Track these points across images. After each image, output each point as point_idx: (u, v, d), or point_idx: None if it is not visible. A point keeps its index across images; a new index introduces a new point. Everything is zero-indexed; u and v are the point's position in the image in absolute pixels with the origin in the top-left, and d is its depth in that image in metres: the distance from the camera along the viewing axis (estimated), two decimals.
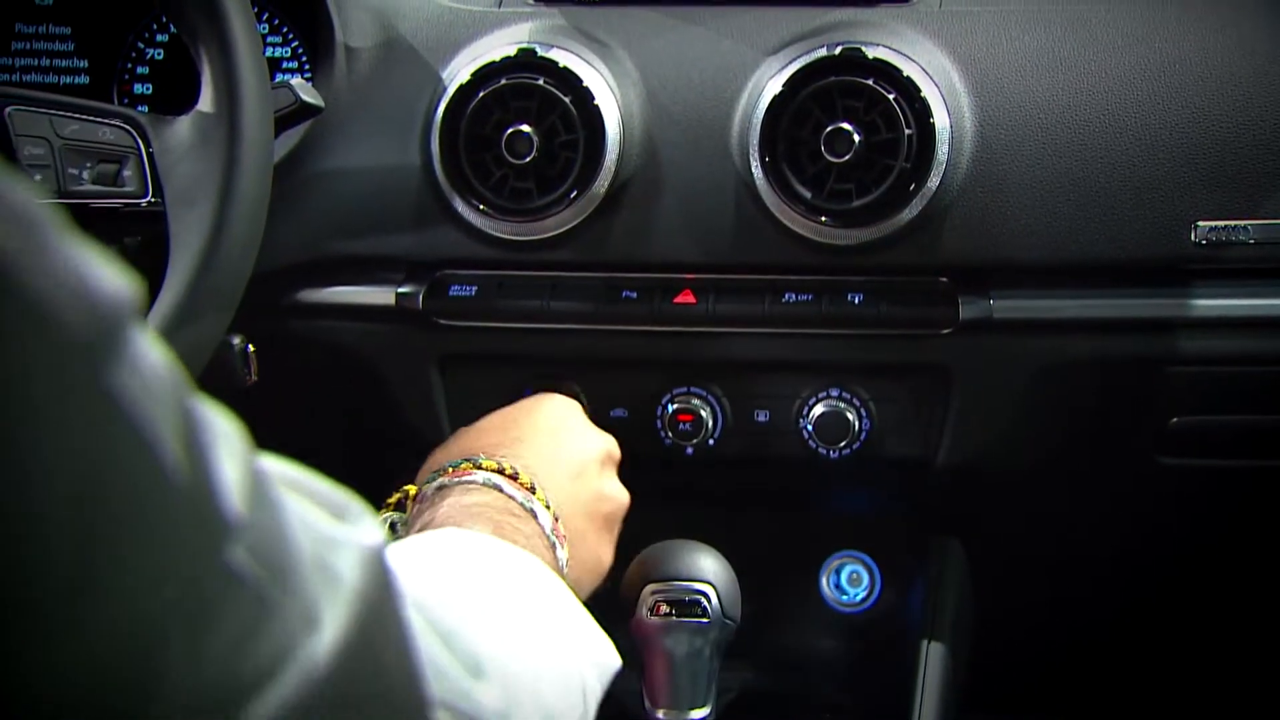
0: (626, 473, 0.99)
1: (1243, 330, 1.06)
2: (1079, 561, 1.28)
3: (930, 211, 1.02)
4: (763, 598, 1.10)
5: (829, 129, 1.01)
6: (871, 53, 1.02)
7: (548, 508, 0.83)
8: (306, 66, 1.16)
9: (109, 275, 0.35)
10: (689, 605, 0.95)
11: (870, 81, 1.02)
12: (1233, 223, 1.02)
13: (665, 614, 0.95)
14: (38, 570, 0.32)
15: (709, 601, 0.95)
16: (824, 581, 1.24)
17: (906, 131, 1.01)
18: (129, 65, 1.19)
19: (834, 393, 1.10)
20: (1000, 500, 1.21)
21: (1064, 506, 1.22)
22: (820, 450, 1.10)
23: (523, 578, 0.72)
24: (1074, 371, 1.07)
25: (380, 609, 0.43)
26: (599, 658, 0.72)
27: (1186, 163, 1.02)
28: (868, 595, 1.24)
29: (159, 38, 1.19)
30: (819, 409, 1.09)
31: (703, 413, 1.10)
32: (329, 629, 0.40)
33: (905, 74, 1.02)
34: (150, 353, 0.36)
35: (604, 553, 0.93)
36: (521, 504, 0.82)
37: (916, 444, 1.10)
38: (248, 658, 0.37)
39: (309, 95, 1.00)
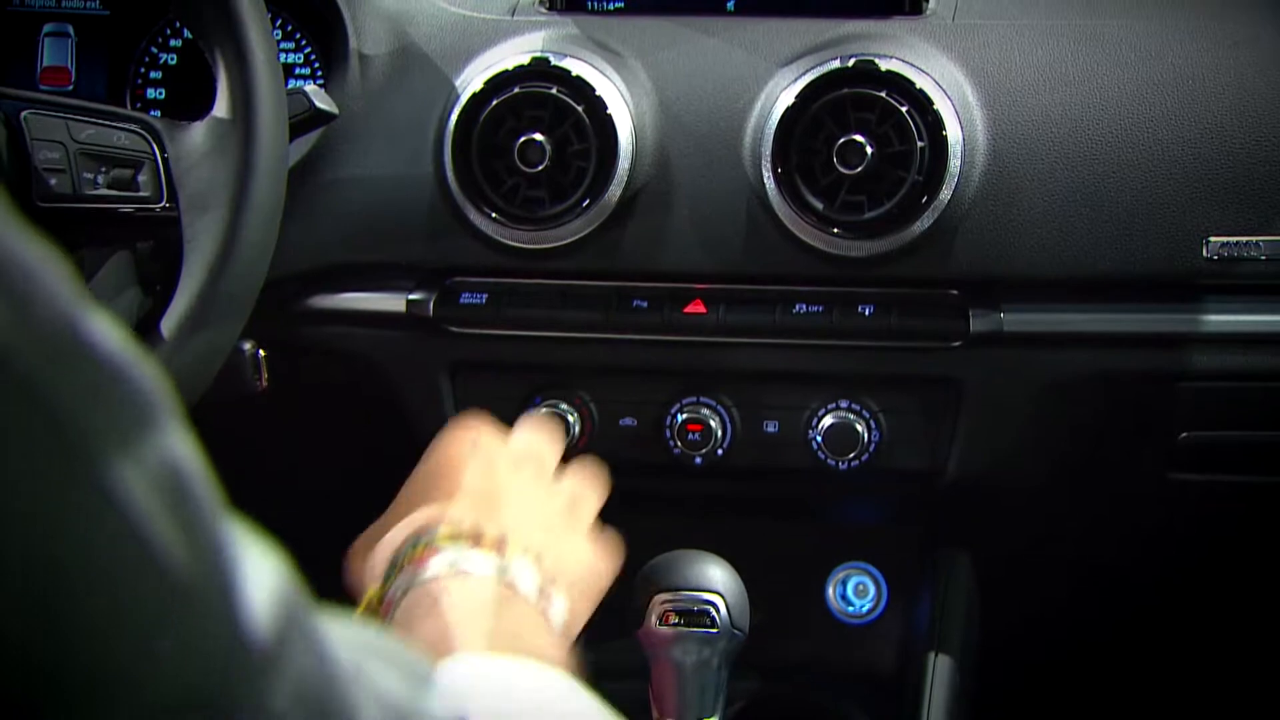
0: (636, 483, 0.98)
1: (1253, 346, 1.06)
2: (1088, 576, 1.28)
3: (942, 224, 1.02)
4: (769, 608, 1.09)
5: (841, 141, 1.01)
6: (884, 65, 1.02)
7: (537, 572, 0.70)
8: (320, 73, 1.16)
9: (138, 373, 0.33)
10: (698, 615, 0.95)
11: (883, 94, 1.02)
12: (1244, 239, 1.02)
13: (674, 624, 0.94)
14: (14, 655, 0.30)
15: (718, 612, 0.95)
16: (830, 592, 1.24)
17: (919, 144, 1.01)
18: (142, 70, 1.19)
19: (843, 404, 1.10)
20: (1009, 513, 1.21)
21: (1073, 520, 1.22)
22: (829, 461, 1.10)
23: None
24: (1084, 385, 1.07)
25: None
26: None
27: (1198, 178, 1.02)
28: (874, 607, 1.23)
29: (173, 43, 1.19)
30: (828, 420, 1.09)
31: (712, 423, 1.10)
32: None
33: (918, 86, 1.02)
34: (172, 452, 0.33)
35: (587, 558, 0.77)
36: (517, 584, 0.69)
37: (926, 456, 1.10)
38: None
39: (323, 102, 1.00)
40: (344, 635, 0.40)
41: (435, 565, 0.67)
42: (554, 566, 0.71)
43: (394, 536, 0.72)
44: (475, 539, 0.69)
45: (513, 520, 0.71)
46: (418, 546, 0.68)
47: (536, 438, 0.81)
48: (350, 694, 0.37)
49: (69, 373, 0.31)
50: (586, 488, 0.81)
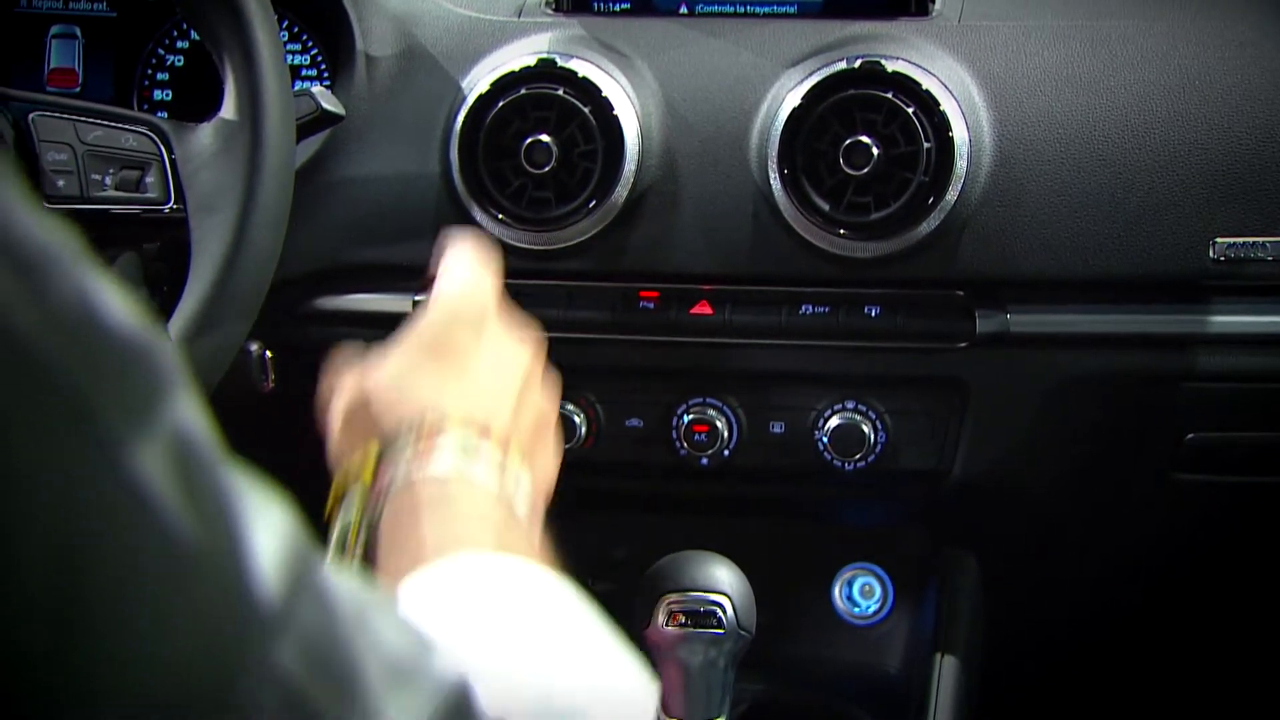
0: (643, 484, 0.98)
1: (1259, 347, 1.06)
2: (1094, 576, 1.28)
3: (948, 225, 1.02)
4: (775, 609, 1.09)
5: (848, 142, 1.01)
6: (891, 66, 1.03)
7: (516, 476, 0.70)
8: (326, 74, 1.17)
9: (152, 347, 0.32)
10: (704, 616, 0.95)
11: (889, 95, 1.02)
12: (1250, 240, 1.02)
13: (680, 624, 0.95)
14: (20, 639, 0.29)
15: (724, 612, 0.95)
16: (836, 593, 1.24)
17: (925, 145, 1.01)
18: (150, 72, 1.19)
19: (850, 405, 1.10)
20: (1015, 514, 1.21)
21: (1079, 521, 1.22)
22: (835, 462, 1.10)
23: (564, 621, 0.60)
24: (1090, 386, 1.07)
25: None
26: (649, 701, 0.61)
27: (1205, 179, 1.02)
28: (880, 607, 1.24)
29: (180, 44, 1.19)
30: (834, 421, 1.09)
31: (718, 423, 1.11)
32: None
33: (924, 87, 1.02)
34: (183, 421, 0.33)
35: (550, 464, 0.78)
36: (500, 488, 0.68)
37: (931, 457, 1.10)
38: None
39: (329, 103, 1.00)
40: (348, 589, 0.40)
41: (435, 463, 0.65)
42: (522, 446, 0.70)
43: (381, 414, 0.69)
44: (466, 434, 0.67)
45: (488, 405, 0.70)
46: (410, 439, 0.66)
47: (466, 287, 0.76)
48: (355, 649, 0.37)
49: (87, 355, 0.31)
50: (527, 335, 0.79)
